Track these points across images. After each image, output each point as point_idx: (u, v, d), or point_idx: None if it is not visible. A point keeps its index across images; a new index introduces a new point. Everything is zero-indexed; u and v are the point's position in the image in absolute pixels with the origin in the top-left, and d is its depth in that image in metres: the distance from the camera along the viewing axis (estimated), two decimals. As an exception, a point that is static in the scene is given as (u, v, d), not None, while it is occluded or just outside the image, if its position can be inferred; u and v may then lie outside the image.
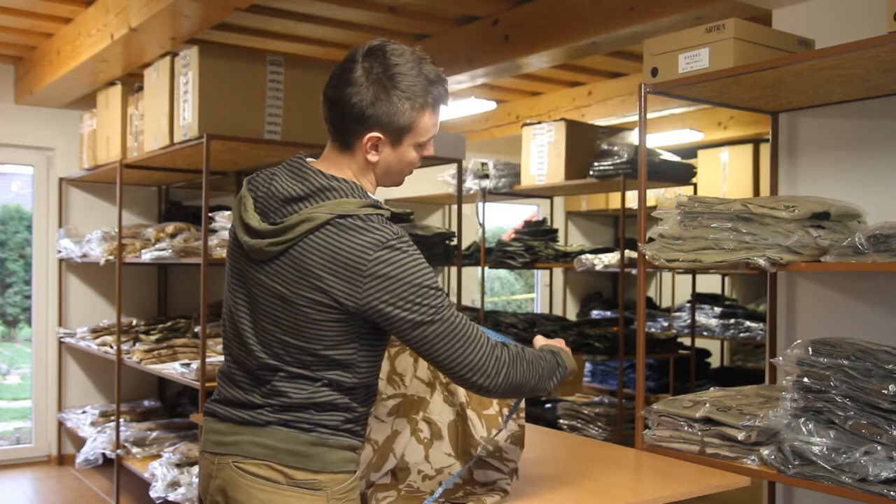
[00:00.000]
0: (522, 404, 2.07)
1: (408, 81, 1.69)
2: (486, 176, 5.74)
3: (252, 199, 1.74)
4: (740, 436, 2.41)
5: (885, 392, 2.16)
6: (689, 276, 5.63)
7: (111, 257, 4.84)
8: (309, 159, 1.77)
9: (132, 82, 4.73)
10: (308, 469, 1.68)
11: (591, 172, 5.00)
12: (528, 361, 1.77)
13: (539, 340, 2.00)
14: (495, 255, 5.82)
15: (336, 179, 1.70)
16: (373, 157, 1.75)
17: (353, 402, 1.72)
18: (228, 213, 4.11)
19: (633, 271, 4.78)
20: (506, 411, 2.07)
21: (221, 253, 3.87)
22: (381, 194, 6.11)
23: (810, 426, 2.29)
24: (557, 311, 7.27)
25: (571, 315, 7.41)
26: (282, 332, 1.69)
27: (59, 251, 5.61)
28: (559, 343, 1.99)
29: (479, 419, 2.05)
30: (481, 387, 1.71)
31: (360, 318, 1.66)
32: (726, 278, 7.09)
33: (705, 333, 6.06)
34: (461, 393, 2.09)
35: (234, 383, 1.77)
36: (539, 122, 5.33)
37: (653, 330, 6.20)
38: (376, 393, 1.84)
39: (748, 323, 5.88)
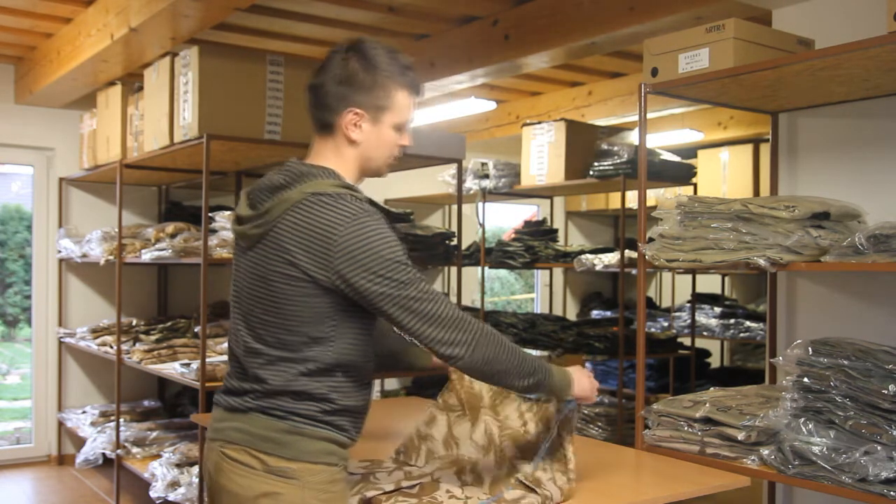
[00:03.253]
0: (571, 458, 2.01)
1: (384, 63, 1.80)
2: (486, 176, 5.74)
3: (246, 195, 1.84)
4: (740, 436, 2.41)
5: (885, 392, 2.16)
6: (689, 276, 5.63)
7: (111, 257, 4.84)
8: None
9: (132, 82, 4.73)
10: (281, 456, 1.73)
11: (591, 172, 5.00)
12: (504, 345, 1.78)
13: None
14: (495, 255, 5.82)
15: (314, 167, 1.79)
16: (354, 135, 1.81)
17: (332, 394, 1.75)
18: (229, 213, 4.11)
19: (633, 271, 4.78)
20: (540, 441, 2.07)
21: (221, 253, 3.88)
22: (382, 195, 6.11)
23: (810, 426, 2.28)
24: (557, 311, 7.27)
25: (571, 315, 7.41)
26: (262, 310, 1.76)
27: (59, 251, 5.61)
28: (578, 369, 1.99)
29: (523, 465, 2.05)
30: (452, 357, 1.74)
31: (334, 293, 1.70)
32: (726, 278, 7.09)
33: (705, 333, 6.05)
34: (509, 449, 2.09)
35: (232, 373, 1.86)
36: (539, 122, 5.33)
37: (653, 330, 6.20)
38: (367, 390, 1.85)
39: (748, 323, 5.87)
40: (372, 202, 1.78)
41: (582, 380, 1.96)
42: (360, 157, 1.85)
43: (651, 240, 2.77)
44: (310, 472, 1.73)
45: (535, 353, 5.64)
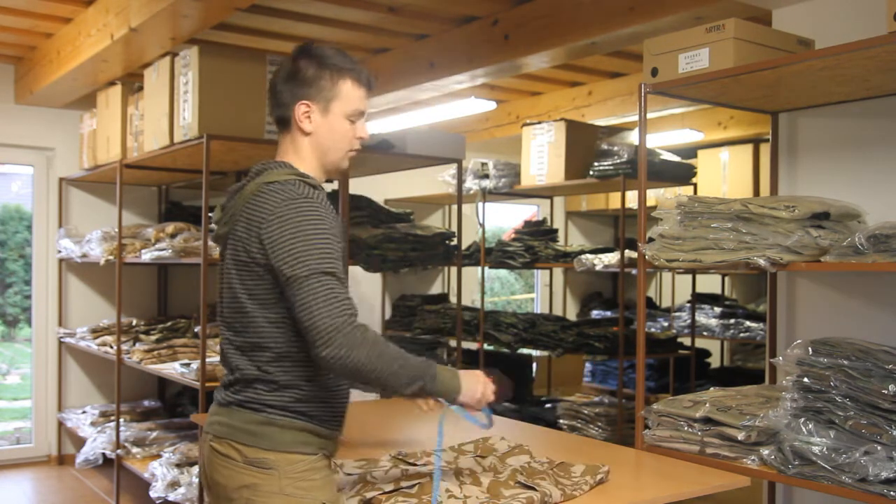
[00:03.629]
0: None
1: (329, 57, 1.90)
2: (486, 176, 5.74)
3: (220, 204, 1.98)
4: (740, 436, 2.41)
5: (885, 392, 2.16)
6: (689, 276, 5.63)
7: (111, 257, 4.84)
8: None
9: (132, 82, 4.72)
10: (259, 447, 1.79)
11: (591, 172, 5.00)
12: (386, 354, 1.72)
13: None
14: (495, 255, 5.82)
15: (271, 162, 1.90)
16: (307, 126, 1.89)
17: (299, 381, 1.81)
18: (228, 213, 4.11)
19: (633, 271, 4.78)
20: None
21: (221, 253, 3.88)
22: (382, 195, 6.11)
23: (810, 426, 2.28)
24: (557, 311, 7.27)
25: (571, 315, 7.41)
26: (231, 300, 1.86)
27: (59, 251, 5.61)
28: (473, 374, 1.90)
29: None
30: (322, 357, 1.69)
31: (274, 274, 1.76)
32: (726, 278, 7.09)
33: (705, 333, 6.05)
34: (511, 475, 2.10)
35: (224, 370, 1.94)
36: (539, 122, 5.33)
37: (653, 330, 6.19)
38: (339, 378, 1.89)
39: (748, 323, 5.87)
40: (307, 176, 1.86)
41: (473, 387, 1.87)
42: (316, 149, 1.92)
43: (651, 240, 2.77)
44: (286, 461, 1.78)
45: (539, 354, 5.63)
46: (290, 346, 1.79)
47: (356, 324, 1.72)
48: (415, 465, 2.17)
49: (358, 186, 4.40)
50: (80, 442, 5.42)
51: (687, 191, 5.27)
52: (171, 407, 5.60)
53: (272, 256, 1.74)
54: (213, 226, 4.04)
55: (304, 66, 1.88)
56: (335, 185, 4.15)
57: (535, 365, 6.60)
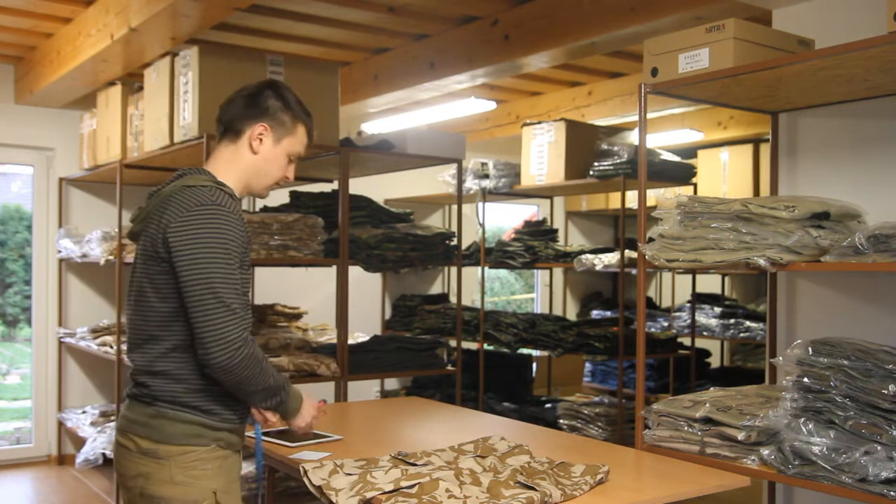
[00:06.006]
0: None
1: (293, 101, 2.10)
2: (486, 176, 5.74)
3: (139, 206, 2.07)
4: (740, 436, 2.41)
5: (885, 392, 2.16)
6: (689, 276, 5.63)
7: (111, 257, 4.84)
8: None
9: (132, 82, 4.73)
10: (151, 439, 1.92)
11: (591, 172, 5.00)
12: (265, 370, 1.92)
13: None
14: (495, 255, 5.82)
15: (193, 168, 2.01)
16: (256, 146, 2.04)
17: (190, 373, 1.91)
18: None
19: (633, 271, 4.78)
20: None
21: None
22: (382, 195, 6.10)
23: (810, 426, 2.28)
24: (557, 311, 7.27)
25: (571, 315, 7.41)
26: (134, 296, 1.97)
27: (59, 251, 5.61)
28: (311, 402, 2.15)
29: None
30: (215, 363, 1.83)
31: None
32: (726, 278, 7.09)
33: (705, 333, 6.05)
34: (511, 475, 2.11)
35: None
36: (539, 122, 5.33)
37: (653, 330, 6.20)
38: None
39: (748, 323, 5.87)
40: (225, 185, 1.98)
41: (305, 414, 2.11)
42: (254, 168, 2.05)
43: (651, 240, 2.77)
44: (176, 452, 1.90)
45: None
46: (184, 338, 1.88)
47: (252, 339, 1.87)
48: (415, 465, 2.17)
49: (358, 186, 4.40)
50: (80, 442, 5.42)
51: (687, 191, 5.28)
52: (171, 407, 5.59)
53: (174, 256, 1.84)
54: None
55: (271, 100, 2.04)
56: (335, 186, 4.15)
57: (535, 365, 6.60)
